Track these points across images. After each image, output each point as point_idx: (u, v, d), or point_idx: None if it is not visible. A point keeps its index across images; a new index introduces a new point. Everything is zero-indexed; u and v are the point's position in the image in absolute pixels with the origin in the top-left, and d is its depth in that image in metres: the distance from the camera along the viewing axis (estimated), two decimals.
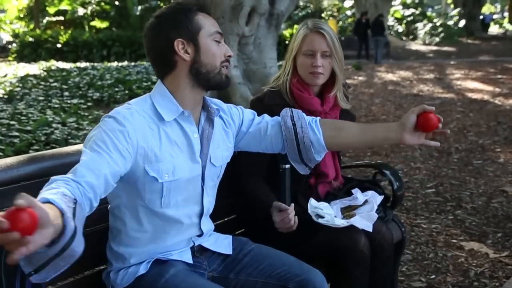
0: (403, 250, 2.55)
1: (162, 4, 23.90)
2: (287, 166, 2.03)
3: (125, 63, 16.27)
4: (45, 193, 1.28)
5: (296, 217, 2.01)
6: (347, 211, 2.20)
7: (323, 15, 32.62)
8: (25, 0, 28.60)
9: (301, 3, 31.61)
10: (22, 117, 7.13)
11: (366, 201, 2.23)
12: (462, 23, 30.22)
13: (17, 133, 6.04)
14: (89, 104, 9.06)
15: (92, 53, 19.64)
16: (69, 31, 21.62)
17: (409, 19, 30.73)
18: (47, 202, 1.23)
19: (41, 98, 9.06)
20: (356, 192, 2.28)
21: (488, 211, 4.16)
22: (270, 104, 2.24)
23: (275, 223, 2.01)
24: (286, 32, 20.10)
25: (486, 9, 44.68)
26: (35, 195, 1.72)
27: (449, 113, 8.49)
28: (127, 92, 10.13)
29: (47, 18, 26.63)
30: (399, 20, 30.79)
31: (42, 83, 10.86)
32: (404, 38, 29.87)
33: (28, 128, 6.34)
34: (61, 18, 26.29)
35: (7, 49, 23.84)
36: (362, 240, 2.05)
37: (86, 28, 24.77)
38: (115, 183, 1.52)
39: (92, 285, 1.89)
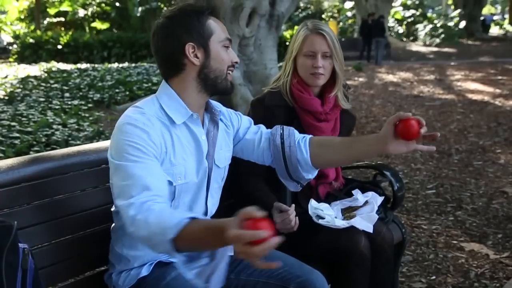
0: (404, 251, 2.55)
1: (162, 6, 23.95)
2: None
3: (126, 64, 16.27)
4: (169, 215, 1.40)
5: (297, 218, 2.01)
6: (348, 212, 2.20)
7: (323, 16, 32.66)
8: (26, 1, 28.63)
9: (301, 4, 31.63)
10: (23, 118, 7.13)
11: (366, 202, 2.24)
12: (462, 24, 30.22)
13: (17, 134, 6.05)
14: (90, 105, 9.06)
15: (92, 54, 19.65)
16: (70, 32, 21.64)
17: (409, 20, 30.73)
18: (194, 219, 1.37)
19: (41, 99, 9.06)
20: (357, 193, 2.28)
21: (489, 212, 4.16)
22: (270, 105, 2.25)
23: (276, 224, 2.01)
24: (287, 33, 20.11)
25: (487, 10, 44.67)
26: (36, 196, 1.73)
27: (450, 114, 8.49)
28: (127, 93, 10.14)
29: (47, 19, 26.66)
30: (400, 21, 30.79)
31: (43, 84, 10.87)
32: (404, 39, 29.87)
33: (29, 129, 6.35)
34: (62, 19, 26.32)
35: (8, 50, 23.87)
36: (363, 241, 2.06)
37: (87, 29, 24.81)
38: None
39: (93, 286, 1.90)
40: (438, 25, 29.78)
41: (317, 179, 2.31)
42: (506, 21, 41.01)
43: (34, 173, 1.73)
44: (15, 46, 22.45)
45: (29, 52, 20.03)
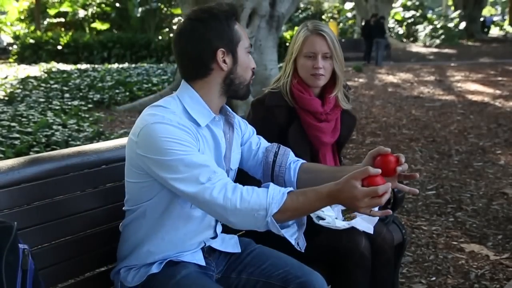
0: (404, 252, 2.54)
1: (162, 6, 23.95)
2: None
3: (126, 65, 16.28)
4: (269, 192, 1.54)
5: None
6: (348, 213, 2.20)
7: (323, 17, 32.66)
8: (26, 2, 28.64)
9: (301, 5, 31.65)
10: (23, 119, 7.13)
11: None
12: (462, 25, 30.23)
13: (17, 135, 6.05)
14: (90, 106, 9.06)
15: (92, 55, 19.64)
16: (70, 33, 21.63)
17: (409, 21, 30.74)
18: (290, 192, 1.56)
19: (41, 100, 9.06)
20: None
21: (489, 213, 4.15)
22: (270, 106, 2.25)
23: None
24: (287, 34, 20.11)
25: (487, 11, 44.70)
26: (36, 196, 1.73)
27: (450, 115, 8.49)
28: (127, 94, 10.14)
29: (47, 20, 26.65)
30: (400, 22, 30.79)
31: (43, 85, 10.87)
32: (404, 40, 29.88)
33: (29, 130, 6.35)
34: (62, 20, 26.31)
35: (8, 51, 23.85)
36: (363, 242, 2.06)
37: (87, 30, 24.79)
38: None
39: (94, 286, 1.90)
40: (438, 26, 29.79)
41: None
42: (506, 22, 41.04)
43: (34, 173, 1.73)
44: (15, 46, 22.44)
45: (29, 52, 20.03)
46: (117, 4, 24.65)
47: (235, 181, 2.08)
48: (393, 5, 27.59)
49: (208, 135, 1.72)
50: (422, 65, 17.75)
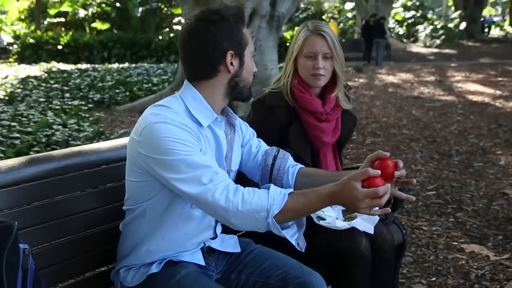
0: (404, 252, 2.54)
1: (162, 6, 23.95)
2: None
3: (126, 64, 16.28)
4: (270, 194, 1.55)
5: None
6: (349, 213, 2.20)
7: (324, 17, 32.67)
8: (26, 1, 28.64)
9: (302, 5, 31.65)
10: (23, 119, 7.13)
11: None
12: (463, 25, 30.24)
13: (18, 135, 6.05)
14: (90, 105, 9.06)
15: (93, 54, 19.64)
16: (70, 33, 21.63)
17: (410, 21, 30.75)
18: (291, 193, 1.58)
19: (42, 99, 9.06)
20: None
21: (489, 214, 4.15)
22: (271, 106, 2.25)
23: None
24: (287, 34, 20.11)
25: (487, 11, 44.70)
26: (36, 196, 1.73)
27: (450, 116, 8.49)
28: (128, 93, 10.14)
29: (48, 19, 26.65)
30: (400, 23, 30.80)
31: (43, 84, 10.87)
32: (404, 40, 29.89)
33: (29, 129, 6.35)
34: (62, 19, 26.31)
35: (8, 50, 23.85)
36: (363, 242, 2.06)
37: (87, 29, 24.79)
38: None
39: (94, 286, 1.90)
40: (439, 26, 29.79)
41: None
42: (506, 23, 41.05)
43: (34, 173, 1.73)
44: (15, 46, 22.44)
45: (29, 52, 20.02)
46: (118, 4, 24.66)
47: (235, 182, 2.09)
48: (394, 5, 27.59)
49: (210, 136, 1.72)
50: (423, 65, 17.75)
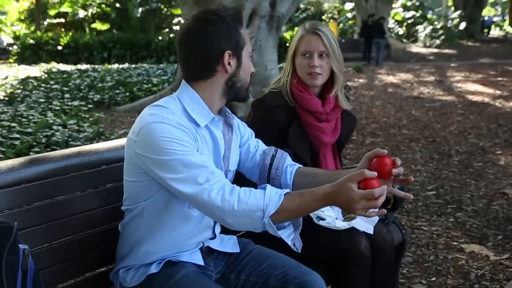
0: (404, 252, 2.54)
1: (162, 6, 23.94)
2: None
3: (126, 65, 16.28)
4: (266, 194, 1.55)
5: None
6: (348, 213, 2.20)
7: (323, 17, 32.66)
8: (26, 2, 28.63)
9: (301, 6, 31.64)
10: (23, 119, 7.13)
11: None
12: (462, 25, 30.23)
13: (18, 135, 6.05)
14: (90, 106, 9.06)
15: (92, 55, 19.64)
16: (70, 33, 21.62)
17: (409, 21, 30.74)
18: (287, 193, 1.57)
19: (42, 100, 9.07)
20: None
21: (489, 214, 4.15)
22: (271, 106, 2.25)
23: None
24: (287, 35, 20.11)
25: (487, 11, 44.70)
26: (36, 196, 1.73)
27: (450, 116, 8.49)
28: (127, 94, 10.14)
29: (48, 20, 26.65)
30: (400, 23, 30.79)
31: (43, 85, 10.87)
32: (404, 40, 29.88)
33: (29, 130, 6.35)
34: (62, 20, 26.30)
35: (8, 51, 23.84)
36: (363, 242, 2.06)
37: (87, 30, 24.78)
38: None
39: (94, 287, 1.90)
40: (438, 26, 29.80)
41: None
42: (506, 23, 41.04)
43: (34, 174, 1.73)
44: (15, 47, 22.43)
45: (29, 53, 20.02)
46: (117, 5, 24.66)
47: (233, 183, 2.09)
48: (393, 5, 27.59)
49: (207, 135, 1.72)
50: (422, 65, 17.75)
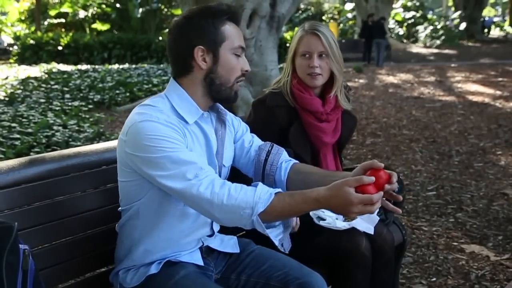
0: (404, 253, 2.54)
1: (163, 7, 23.94)
2: None
3: (126, 65, 16.28)
4: (256, 191, 1.53)
5: (298, 219, 2.01)
6: None
7: (324, 17, 32.66)
8: (26, 2, 28.64)
9: (302, 6, 31.64)
10: (23, 120, 7.14)
11: None
12: (463, 26, 30.23)
13: (18, 136, 6.05)
14: (90, 106, 9.07)
15: (93, 55, 19.64)
16: (70, 34, 21.62)
17: (410, 21, 30.74)
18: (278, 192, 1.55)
19: (42, 100, 9.07)
20: None
21: (489, 214, 4.15)
22: (271, 106, 2.25)
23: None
24: (287, 35, 20.11)
25: (487, 12, 44.70)
26: (37, 197, 1.73)
27: (450, 116, 8.49)
28: (128, 94, 10.14)
29: (48, 20, 26.64)
30: (400, 23, 30.79)
31: (43, 85, 10.87)
32: (405, 40, 29.88)
33: (29, 130, 6.35)
34: (62, 20, 26.30)
35: (8, 51, 23.85)
36: (364, 242, 2.06)
37: (87, 30, 24.79)
38: None
39: (94, 287, 1.90)
40: (439, 26, 29.80)
41: None
42: (507, 23, 41.04)
43: (34, 174, 1.73)
44: (15, 47, 22.43)
45: (29, 53, 20.02)
46: (118, 5, 24.66)
47: (230, 179, 2.09)
48: (394, 5, 27.59)
49: (198, 132, 1.72)
50: (423, 65, 17.75)
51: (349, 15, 31.16)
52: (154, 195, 1.66)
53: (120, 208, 1.77)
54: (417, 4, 32.25)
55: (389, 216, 2.35)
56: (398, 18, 30.64)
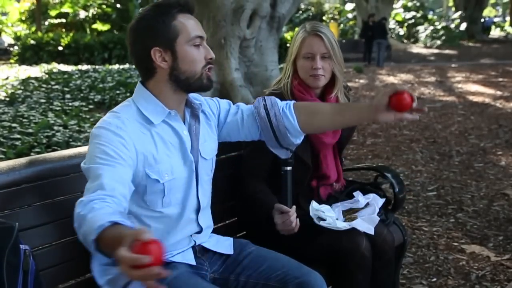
0: (404, 253, 2.54)
1: None
2: (289, 168, 2.03)
3: (127, 65, 16.23)
4: (101, 215, 1.34)
5: (298, 219, 2.01)
6: (349, 214, 2.20)
7: (324, 18, 32.65)
8: (27, 3, 28.65)
9: (302, 6, 31.63)
10: (24, 120, 7.13)
11: (367, 204, 2.24)
12: (463, 26, 30.22)
13: (18, 136, 6.04)
14: (91, 106, 9.06)
15: (93, 55, 19.63)
16: (71, 34, 21.60)
17: (410, 22, 30.72)
18: (116, 224, 1.31)
19: (42, 100, 9.06)
20: (358, 195, 2.28)
21: (490, 214, 4.15)
22: None
23: (277, 225, 2.01)
24: (287, 35, 20.09)
25: (488, 12, 44.69)
26: (37, 197, 1.73)
27: (450, 116, 8.49)
28: (128, 94, 10.11)
29: (48, 20, 26.64)
30: (400, 23, 30.78)
31: (44, 85, 10.87)
32: (405, 41, 29.87)
33: (30, 130, 6.35)
34: (63, 20, 26.30)
35: (9, 51, 23.84)
36: (364, 243, 2.06)
37: (88, 30, 24.78)
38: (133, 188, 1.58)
39: (98, 285, 1.90)
40: (439, 27, 29.77)
41: (318, 180, 2.31)
42: (507, 23, 41.03)
43: (35, 174, 1.73)
44: (16, 47, 22.43)
45: (30, 53, 20.02)
46: (118, 5, 24.66)
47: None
48: (394, 6, 27.58)
49: (167, 131, 1.72)
50: (423, 66, 17.74)
51: (350, 16, 31.16)
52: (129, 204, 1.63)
53: None
54: (418, 4, 32.23)
55: (389, 217, 2.35)
56: (399, 18, 30.62)
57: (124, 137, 1.60)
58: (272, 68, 7.35)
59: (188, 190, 1.75)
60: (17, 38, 25.45)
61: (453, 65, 17.65)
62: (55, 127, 6.64)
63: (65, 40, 20.27)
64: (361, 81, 13.83)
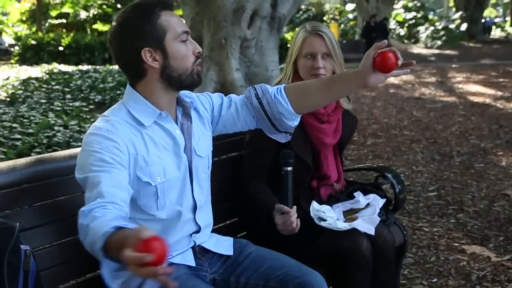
0: (405, 254, 2.55)
1: None
2: (289, 168, 2.03)
3: None
4: (104, 222, 1.35)
5: (298, 219, 2.01)
6: (349, 214, 2.20)
7: (324, 18, 32.65)
8: (27, 3, 28.67)
9: (302, 6, 31.64)
10: (24, 120, 7.14)
11: (368, 204, 2.24)
12: (464, 26, 30.21)
13: (19, 136, 6.04)
14: (91, 107, 9.05)
15: (94, 56, 19.63)
16: (71, 34, 21.61)
17: (411, 22, 30.71)
18: (120, 228, 1.32)
19: (43, 100, 9.07)
20: (358, 195, 2.28)
21: (490, 215, 4.15)
22: None
23: (277, 225, 2.01)
24: (288, 35, 20.09)
25: (488, 12, 44.69)
26: (38, 197, 1.73)
27: (451, 117, 8.48)
28: None
29: (49, 21, 26.68)
30: (401, 24, 30.77)
31: (44, 86, 10.87)
32: (405, 41, 29.85)
33: (30, 130, 6.35)
34: (63, 21, 26.33)
35: (10, 52, 23.86)
36: (364, 243, 2.06)
37: (88, 31, 24.81)
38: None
39: (100, 284, 1.89)
40: (440, 27, 29.75)
41: (319, 180, 2.31)
42: (508, 24, 41.03)
43: (35, 174, 1.73)
44: (16, 47, 22.46)
45: (30, 53, 20.02)
46: (118, 5, 24.67)
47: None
48: (394, 6, 27.57)
49: (159, 132, 1.71)
50: (424, 66, 17.72)
51: (350, 16, 31.16)
52: None
53: None
54: (418, 4, 32.22)
55: (390, 217, 2.35)
56: (399, 18, 30.60)
57: (116, 140, 1.59)
58: (272, 68, 7.35)
59: (183, 190, 1.75)
60: (17, 38, 25.45)
61: (453, 66, 17.65)
62: (56, 127, 6.64)
63: (65, 41, 20.28)
64: None
